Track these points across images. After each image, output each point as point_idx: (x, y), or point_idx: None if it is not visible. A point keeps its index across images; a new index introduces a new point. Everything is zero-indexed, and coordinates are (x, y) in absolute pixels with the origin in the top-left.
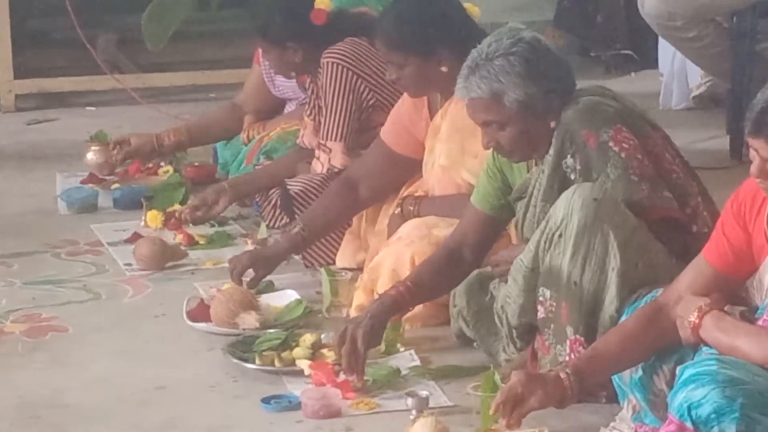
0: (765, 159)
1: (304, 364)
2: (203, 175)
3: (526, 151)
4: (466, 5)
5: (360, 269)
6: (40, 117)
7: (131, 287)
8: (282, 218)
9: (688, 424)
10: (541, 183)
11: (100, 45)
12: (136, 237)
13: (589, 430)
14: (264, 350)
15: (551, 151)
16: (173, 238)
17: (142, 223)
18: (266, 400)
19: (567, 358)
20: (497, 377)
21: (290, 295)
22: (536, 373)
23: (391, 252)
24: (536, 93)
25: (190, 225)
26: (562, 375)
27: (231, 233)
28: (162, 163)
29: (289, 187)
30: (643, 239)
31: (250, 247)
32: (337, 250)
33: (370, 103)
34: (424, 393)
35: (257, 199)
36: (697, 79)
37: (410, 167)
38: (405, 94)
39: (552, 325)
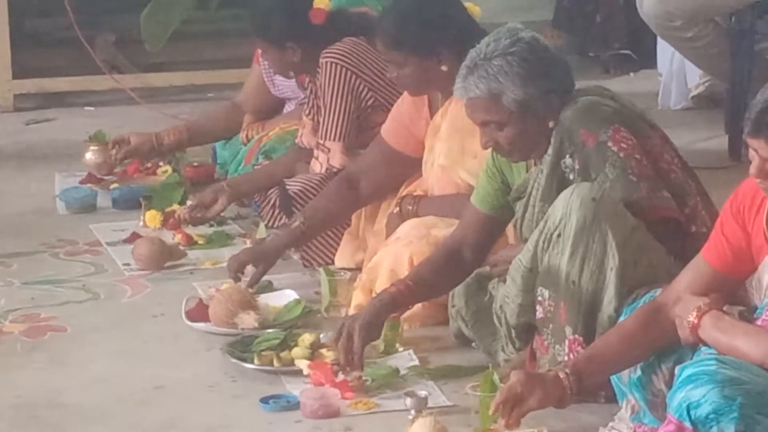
0: (764, 159)
1: (302, 364)
2: (202, 175)
3: (525, 151)
4: (467, 4)
5: (359, 269)
6: (38, 117)
7: (130, 287)
8: (281, 218)
9: (687, 424)
10: (540, 183)
11: (99, 45)
12: (134, 237)
13: (588, 430)
14: (263, 350)
15: (550, 151)
16: (172, 238)
17: (141, 223)
18: (265, 400)
19: (566, 358)
20: (496, 377)
21: (289, 295)
22: (535, 373)
23: (389, 252)
24: (535, 93)
25: (189, 225)
26: (561, 375)
27: (230, 233)
28: (161, 163)
29: (288, 187)
30: (641, 239)
31: (248, 246)
32: (336, 250)
33: (369, 103)
34: (422, 393)
35: (256, 199)
36: (695, 79)
37: (410, 165)
38: (406, 92)
39: (551, 325)
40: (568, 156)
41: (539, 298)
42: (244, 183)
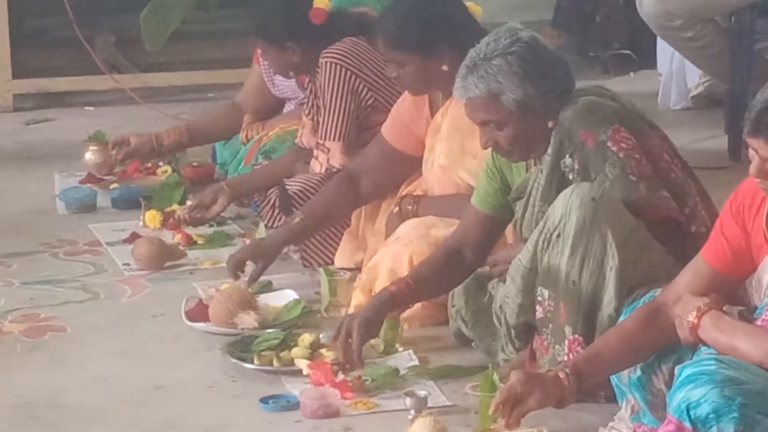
0: (764, 159)
1: (302, 364)
2: (202, 175)
3: (525, 150)
4: (468, 4)
5: (358, 269)
6: (38, 117)
7: (130, 287)
8: (281, 218)
9: (687, 424)
10: (540, 183)
11: (99, 45)
12: (134, 237)
13: (587, 430)
14: (262, 350)
15: (549, 151)
16: (172, 237)
17: (141, 223)
18: (265, 400)
19: (565, 358)
20: (496, 377)
21: (289, 295)
22: (535, 373)
23: (389, 252)
24: (534, 93)
25: (189, 225)
26: (561, 375)
27: (229, 233)
28: (160, 163)
29: (287, 186)
30: (641, 239)
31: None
32: (336, 249)
33: (369, 102)
34: (422, 393)
35: (256, 199)
36: (695, 79)
37: (411, 164)
38: (406, 92)
39: (550, 325)
40: (567, 156)
41: (539, 298)
42: (243, 183)
